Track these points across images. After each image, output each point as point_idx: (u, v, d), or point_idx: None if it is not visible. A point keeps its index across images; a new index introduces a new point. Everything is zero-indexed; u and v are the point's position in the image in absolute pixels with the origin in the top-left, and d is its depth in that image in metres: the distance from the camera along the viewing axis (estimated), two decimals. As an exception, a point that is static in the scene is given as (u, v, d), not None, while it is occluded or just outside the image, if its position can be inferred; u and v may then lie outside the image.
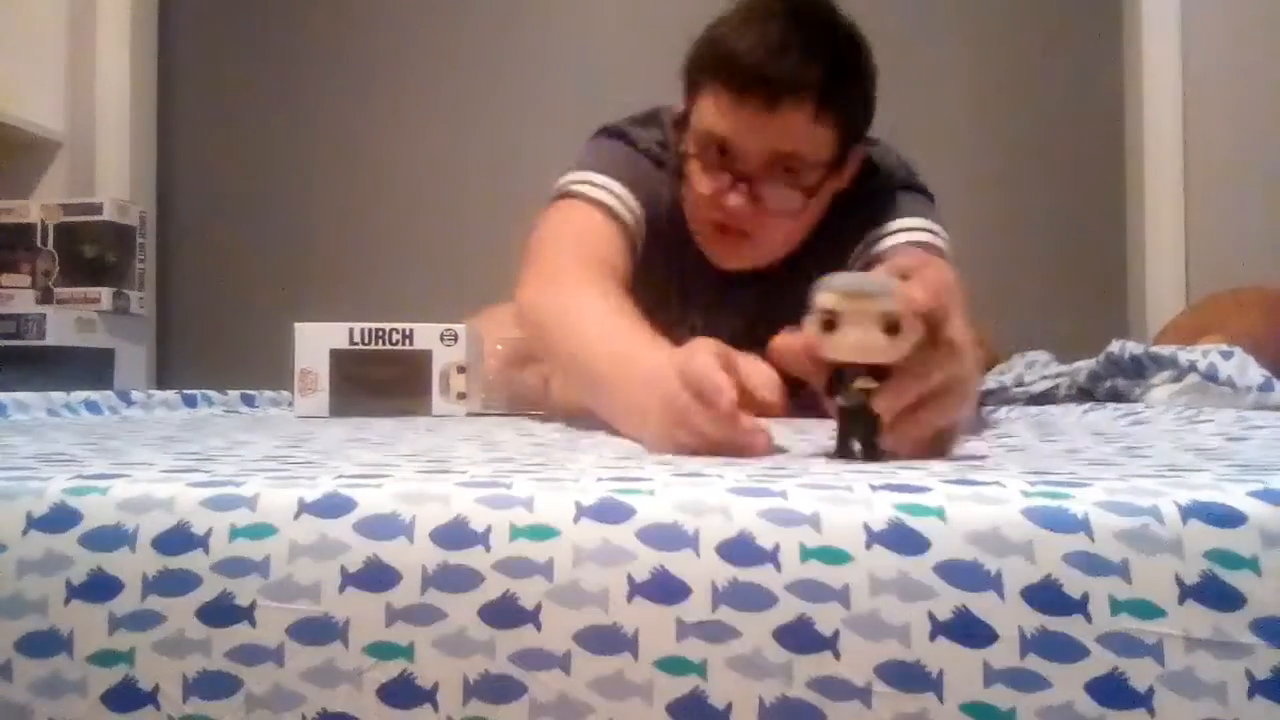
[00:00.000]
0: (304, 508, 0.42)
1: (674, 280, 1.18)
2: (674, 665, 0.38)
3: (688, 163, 1.09)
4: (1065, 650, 0.37)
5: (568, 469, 0.48)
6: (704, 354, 0.62)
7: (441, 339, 1.17)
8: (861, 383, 0.55)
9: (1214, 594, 0.38)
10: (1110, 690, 0.37)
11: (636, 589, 0.39)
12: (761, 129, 1.01)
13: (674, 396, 0.62)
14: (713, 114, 1.03)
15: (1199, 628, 0.37)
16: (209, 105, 2.70)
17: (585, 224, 1.07)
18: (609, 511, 0.40)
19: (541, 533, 0.40)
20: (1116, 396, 1.34)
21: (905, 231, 1.10)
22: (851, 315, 0.53)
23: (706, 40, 1.06)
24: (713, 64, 1.04)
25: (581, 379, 0.86)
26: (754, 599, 0.38)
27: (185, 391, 1.34)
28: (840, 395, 0.57)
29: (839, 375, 0.56)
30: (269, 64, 2.68)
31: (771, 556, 0.39)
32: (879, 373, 0.55)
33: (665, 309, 1.09)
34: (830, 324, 0.54)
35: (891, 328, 0.53)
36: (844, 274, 0.55)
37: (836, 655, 0.38)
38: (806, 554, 0.39)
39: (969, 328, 0.66)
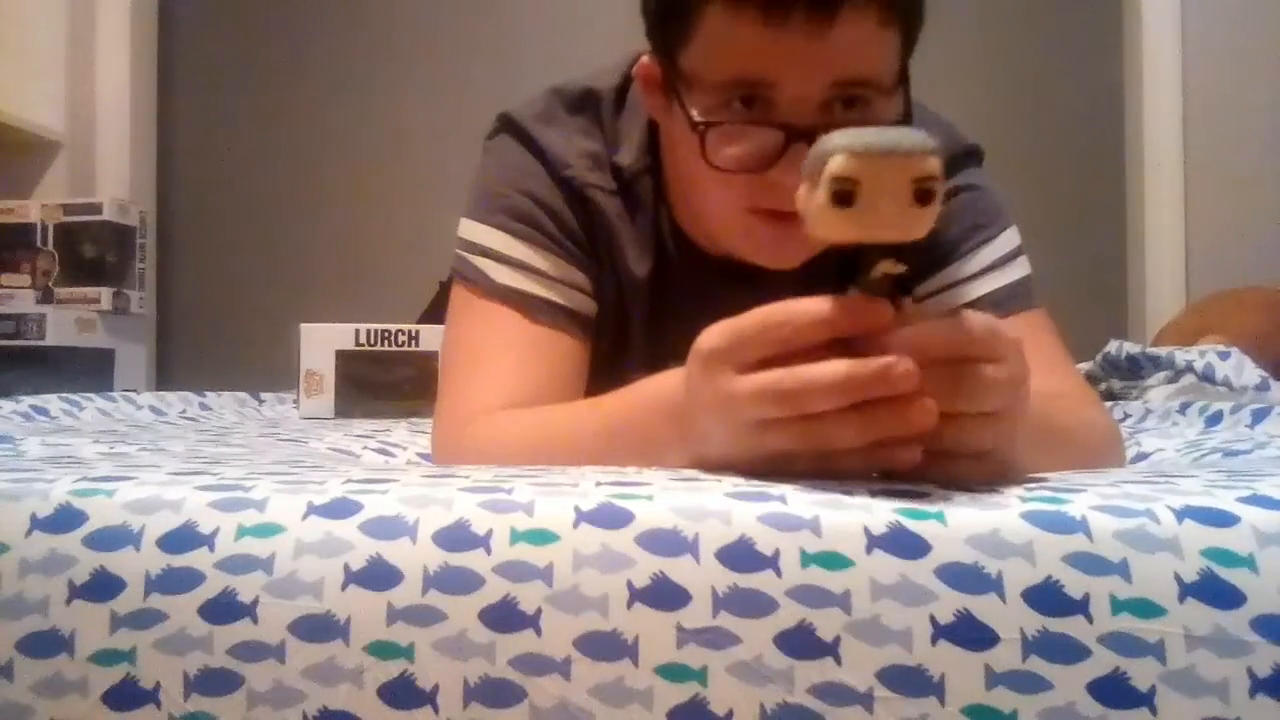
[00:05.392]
0: (311, 510, 0.42)
1: (641, 324, 0.88)
2: (674, 672, 0.38)
3: (688, 150, 0.74)
4: (1067, 651, 0.37)
5: (568, 474, 0.48)
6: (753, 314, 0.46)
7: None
8: (886, 266, 0.44)
9: (1213, 592, 0.38)
10: (1112, 690, 0.37)
11: (636, 595, 0.39)
12: (817, 53, 0.68)
13: (725, 365, 0.46)
14: (732, 48, 0.69)
15: (1200, 625, 0.38)
16: (209, 105, 2.70)
17: (520, 349, 0.79)
18: (608, 517, 0.41)
19: (541, 537, 0.40)
20: (1112, 398, 1.34)
21: (990, 274, 0.85)
22: (877, 182, 0.41)
23: None
24: None
25: (591, 450, 0.60)
26: (754, 605, 0.38)
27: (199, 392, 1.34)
28: (856, 284, 0.45)
29: (852, 260, 0.45)
30: (269, 63, 2.68)
31: (772, 562, 0.39)
32: (902, 253, 0.43)
33: (629, 365, 0.86)
34: (847, 195, 0.41)
35: (926, 195, 0.41)
36: (854, 130, 0.42)
37: (838, 661, 0.38)
38: (807, 559, 0.39)
39: None
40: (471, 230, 0.84)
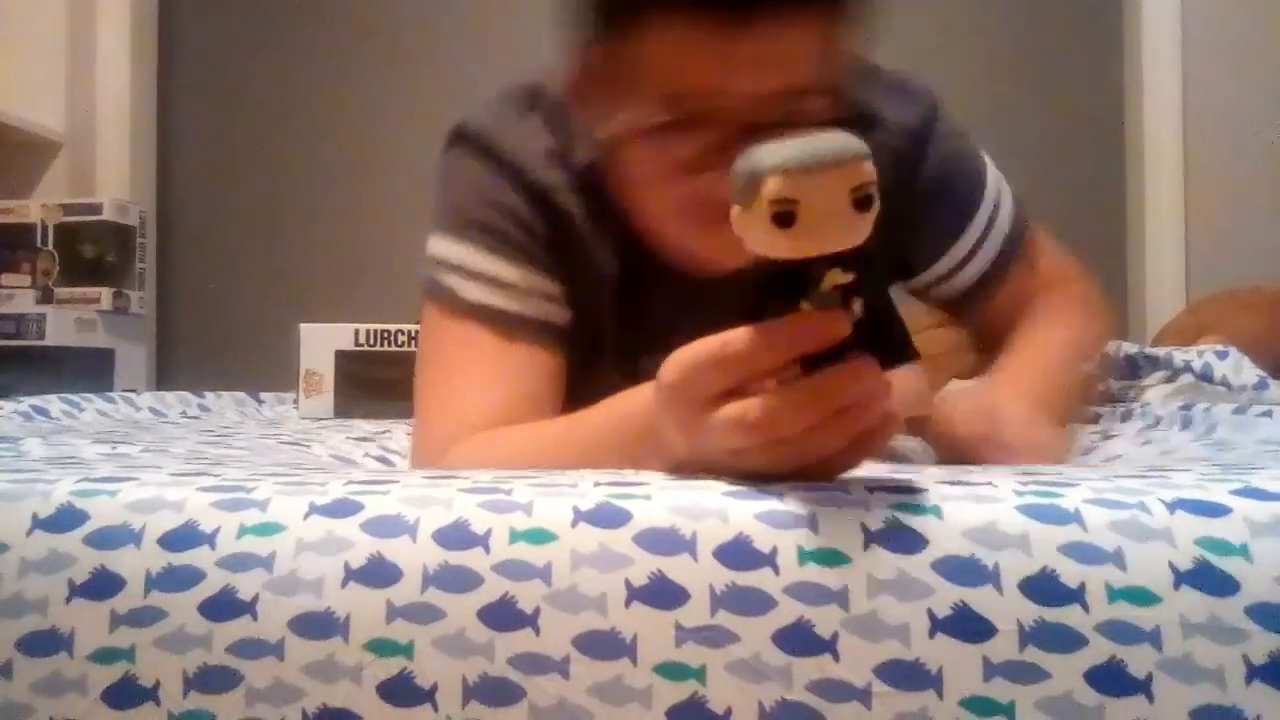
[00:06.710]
0: (313, 509, 0.43)
1: (613, 325, 0.86)
2: (673, 670, 0.38)
3: (628, 146, 0.73)
4: (1064, 640, 0.38)
5: (566, 475, 0.48)
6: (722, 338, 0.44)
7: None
8: (835, 277, 0.42)
9: (1208, 579, 0.38)
10: (1109, 678, 0.37)
11: (634, 594, 0.39)
12: (759, 63, 0.66)
13: (699, 385, 0.45)
14: (672, 59, 0.67)
15: (1195, 613, 0.38)
16: (209, 105, 2.70)
17: (494, 369, 0.77)
18: (606, 516, 0.41)
19: (540, 536, 0.40)
20: (1110, 398, 1.34)
21: (987, 241, 0.90)
22: (816, 198, 0.40)
23: None
24: None
25: (570, 458, 0.58)
26: (752, 603, 0.39)
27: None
28: (809, 299, 0.43)
29: (796, 277, 0.43)
30: (269, 64, 2.68)
31: (769, 559, 0.39)
32: (847, 260, 0.42)
33: (603, 367, 0.85)
34: (788, 216, 0.40)
35: (864, 201, 0.40)
36: (782, 144, 0.40)
37: (836, 657, 0.38)
38: (804, 556, 0.39)
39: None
40: (438, 246, 0.83)
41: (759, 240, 0.41)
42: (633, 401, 0.57)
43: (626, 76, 0.70)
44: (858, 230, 0.41)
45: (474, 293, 0.79)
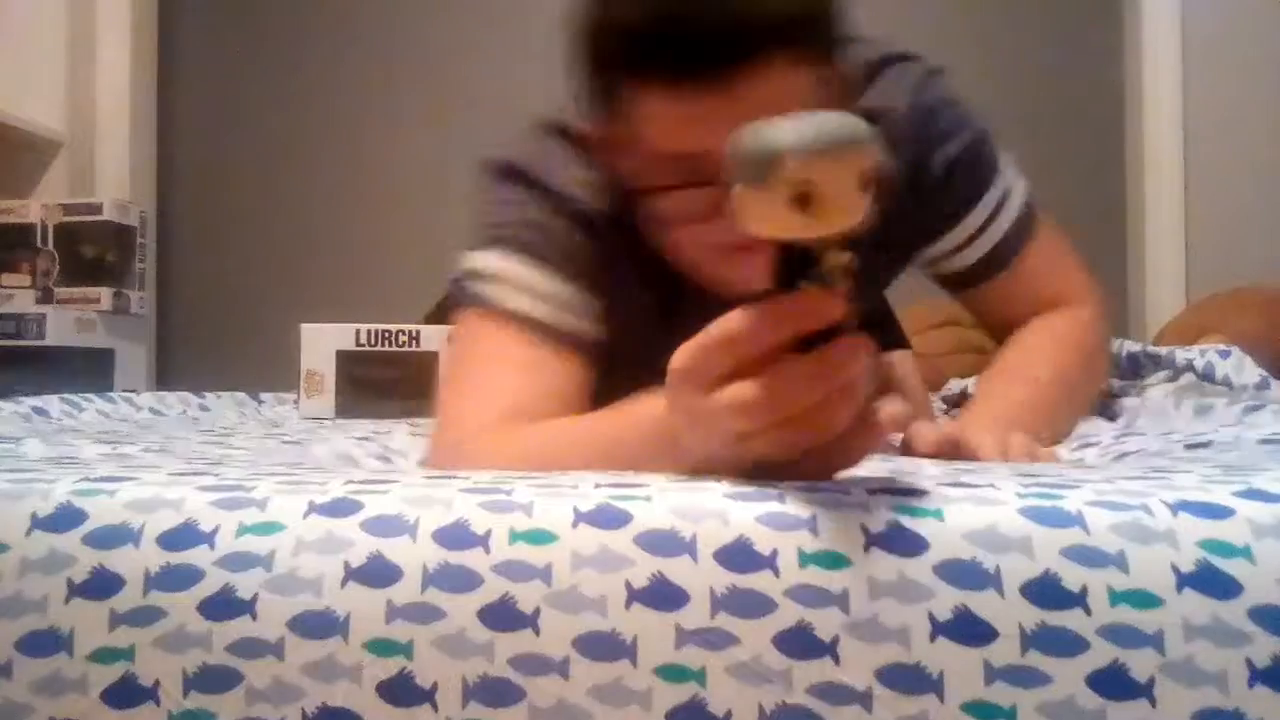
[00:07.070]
0: (313, 509, 0.43)
1: (650, 344, 0.87)
2: (673, 672, 0.38)
3: (639, 199, 0.78)
4: (1066, 644, 0.37)
5: (567, 476, 0.48)
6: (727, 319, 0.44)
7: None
8: (834, 256, 0.42)
9: (1211, 582, 0.38)
10: (1111, 682, 0.37)
11: (635, 595, 0.39)
12: (732, 115, 0.69)
13: (698, 373, 0.45)
14: (655, 126, 0.71)
15: (1198, 616, 0.38)
16: (209, 105, 2.70)
17: (521, 371, 0.79)
18: (607, 517, 0.41)
19: (540, 537, 0.40)
20: (1111, 396, 1.34)
21: (997, 219, 0.91)
22: (832, 179, 0.39)
23: (595, 25, 0.73)
24: (617, 57, 0.71)
25: (581, 459, 0.58)
26: (753, 605, 0.38)
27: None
28: (807, 279, 0.43)
29: (795, 257, 0.43)
30: (269, 63, 2.68)
31: (770, 562, 0.39)
32: (846, 241, 0.42)
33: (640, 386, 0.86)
34: (806, 197, 0.39)
35: (870, 182, 0.40)
36: (792, 122, 0.40)
37: (836, 660, 0.38)
38: (805, 559, 0.39)
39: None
40: (475, 259, 0.85)
41: (768, 219, 0.41)
42: (649, 402, 0.58)
43: (627, 142, 0.75)
44: (859, 210, 0.40)
45: (510, 300, 0.82)
